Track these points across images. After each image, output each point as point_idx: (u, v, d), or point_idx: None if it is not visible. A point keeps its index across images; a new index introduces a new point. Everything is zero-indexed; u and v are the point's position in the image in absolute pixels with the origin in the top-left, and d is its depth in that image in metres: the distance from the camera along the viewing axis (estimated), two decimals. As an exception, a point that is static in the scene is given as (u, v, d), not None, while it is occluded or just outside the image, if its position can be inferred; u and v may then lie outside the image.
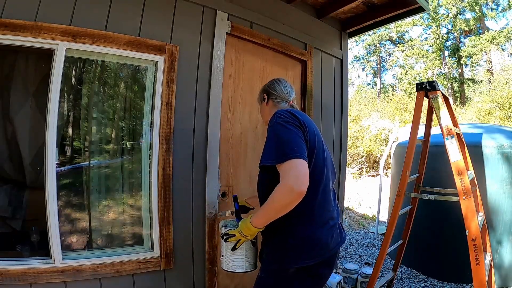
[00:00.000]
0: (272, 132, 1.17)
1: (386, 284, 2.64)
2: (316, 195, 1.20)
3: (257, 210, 1.15)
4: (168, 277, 1.90)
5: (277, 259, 1.19)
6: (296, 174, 1.04)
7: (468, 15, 18.96)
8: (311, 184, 1.08)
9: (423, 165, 2.60)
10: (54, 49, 1.58)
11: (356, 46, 24.27)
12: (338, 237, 1.26)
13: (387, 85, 23.56)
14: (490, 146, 2.83)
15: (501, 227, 2.78)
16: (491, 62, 16.55)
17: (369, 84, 25.33)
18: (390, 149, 4.62)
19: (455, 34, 19.49)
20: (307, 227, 1.17)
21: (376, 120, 12.22)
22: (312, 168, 1.17)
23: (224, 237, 1.23)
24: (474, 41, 17.57)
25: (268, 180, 1.20)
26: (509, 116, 10.71)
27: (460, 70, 19.43)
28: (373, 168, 11.04)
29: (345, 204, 6.29)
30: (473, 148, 2.77)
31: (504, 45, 16.55)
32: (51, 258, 1.59)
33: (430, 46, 20.04)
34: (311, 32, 2.73)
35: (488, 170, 2.81)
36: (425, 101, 2.22)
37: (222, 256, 1.30)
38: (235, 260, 1.26)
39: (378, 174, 7.98)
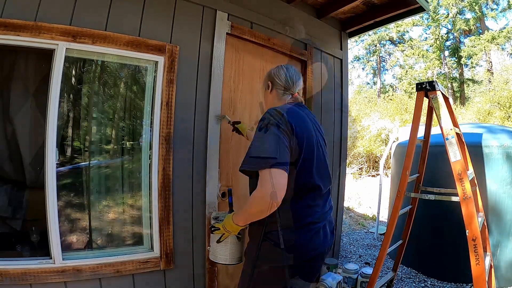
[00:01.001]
0: (258, 134, 1.16)
1: (386, 284, 2.64)
2: (298, 200, 1.19)
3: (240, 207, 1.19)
4: (168, 277, 1.90)
5: (255, 256, 1.22)
6: (272, 184, 1.05)
7: (468, 15, 18.94)
8: (294, 189, 1.09)
9: (423, 165, 2.60)
10: (54, 49, 1.58)
11: (356, 46, 24.26)
12: (320, 240, 1.23)
13: (387, 85, 23.52)
14: (491, 146, 2.83)
15: (501, 227, 2.78)
16: (491, 62, 16.53)
17: (369, 84, 25.33)
18: (390, 149, 4.61)
19: (455, 34, 19.47)
20: (285, 229, 1.17)
21: (376, 120, 12.20)
22: (297, 173, 1.17)
23: (212, 229, 1.28)
24: (474, 41, 17.54)
25: (250, 181, 1.24)
26: (509, 116, 10.70)
27: (460, 70, 19.40)
28: (373, 168, 11.03)
29: (345, 204, 6.29)
30: (474, 148, 2.77)
31: (504, 45, 16.53)
32: (51, 258, 1.59)
33: (430, 46, 20.01)
34: (311, 32, 2.73)
35: (488, 170, 2.81)
36: (425, 101, 2.21)
37: (209, 246, 1.36)
38: (219, 252, 1.32)
39: (378, 174, 7.98)
